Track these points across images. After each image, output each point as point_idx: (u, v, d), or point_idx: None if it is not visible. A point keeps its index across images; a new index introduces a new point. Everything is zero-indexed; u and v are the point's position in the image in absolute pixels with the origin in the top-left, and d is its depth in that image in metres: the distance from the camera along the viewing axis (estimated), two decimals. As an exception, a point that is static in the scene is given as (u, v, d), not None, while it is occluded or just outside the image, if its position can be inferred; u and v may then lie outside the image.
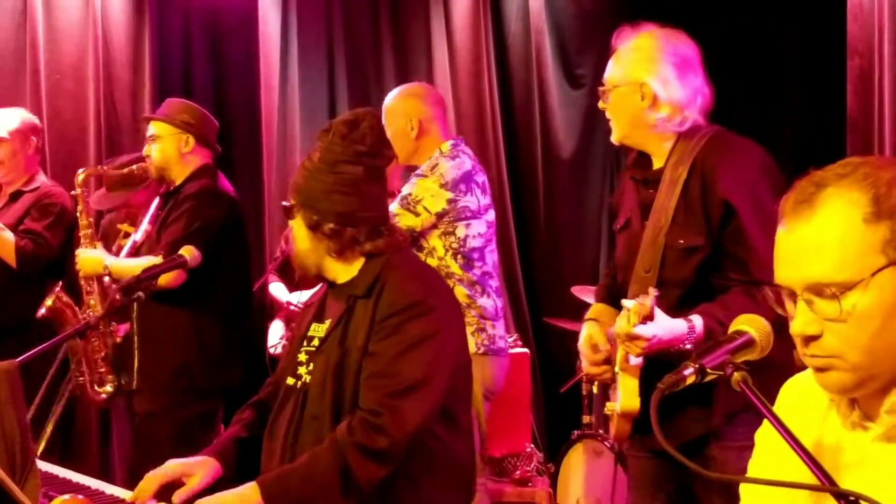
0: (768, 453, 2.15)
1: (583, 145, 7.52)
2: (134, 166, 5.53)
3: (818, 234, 1.90)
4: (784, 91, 6.49)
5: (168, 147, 5.27)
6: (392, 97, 5.33)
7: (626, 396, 3.32)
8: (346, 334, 3.17)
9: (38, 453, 2.98)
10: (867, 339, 1.90)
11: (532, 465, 6.52)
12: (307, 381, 3.21)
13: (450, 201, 4.99)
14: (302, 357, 3.30)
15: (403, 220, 4.92)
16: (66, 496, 2.74)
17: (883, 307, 1.89)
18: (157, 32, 7.51)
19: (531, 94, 7.54)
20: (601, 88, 3.60)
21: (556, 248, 7.56)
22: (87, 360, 5.45)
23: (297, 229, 3.28)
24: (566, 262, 7.53)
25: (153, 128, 5.32)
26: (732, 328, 2.04)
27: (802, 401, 2.10)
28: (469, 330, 4.89)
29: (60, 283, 5.67)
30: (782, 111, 6.44)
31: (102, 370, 5.44)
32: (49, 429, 5.40)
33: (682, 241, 3.35)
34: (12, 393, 2.85)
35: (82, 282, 5.48)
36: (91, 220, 5.54)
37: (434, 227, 5.00)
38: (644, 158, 3.63)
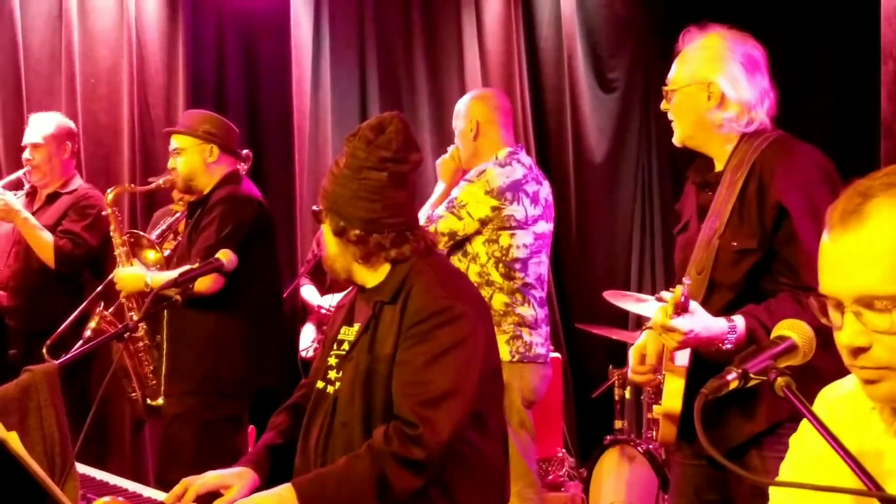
0: (803, 458, 2.15)
1: (615, 149, 7.52)
2: (161, 180, 5.55)
3: (868, 245, 1.87)
4: (817, 96, 6.47)
5: (193, 158, 5.27)
6: (461, 100, 5.39)
7: (668, 398, 3.30)
8: (374, 341, 3.16)
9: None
10: None
11: (564, 470, 6.52)
12: (337, 387, 3.21)
13: (494, 209, 4.97)
14: (332, 361, 3.30)
15: (447, 222, 4.95)
16: (107, 498, 2.75)
17: None
18: (191, 37, 7.56)
19: (563, 98, 7.54)
20: (665, 89, 3.57)
21: (587, 253, 7.56)
22: (136, 375, 5.49)
23: (327, 234, 3.28)
24: (598, 267, 7.53)
25: (176, 141, 5.32)
26: (775, 333, 2.04)
27: (841, 408, 2.09)
28: (504, 338, 4.88)
29: (103, 303, 5.72)
30: (815, 117, 6.42)
31: (154, 383, 5.47)
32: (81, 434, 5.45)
33: (735, 244, 3.33)
34: (52, 395, 2.88)
35: (123, 299, 5.52)
36: (125, 238, 5.57)
37: (478, 232, 4.99)
38: (706, 162, 3.62)
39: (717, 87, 3.46)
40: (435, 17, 7.91)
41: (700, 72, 3.49)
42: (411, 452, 2.96)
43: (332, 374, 3.26)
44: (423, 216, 4.99)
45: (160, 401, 5.43)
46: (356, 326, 3.28)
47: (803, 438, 2.16)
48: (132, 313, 5.51)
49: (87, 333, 5.62)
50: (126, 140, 7.25)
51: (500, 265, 4.99)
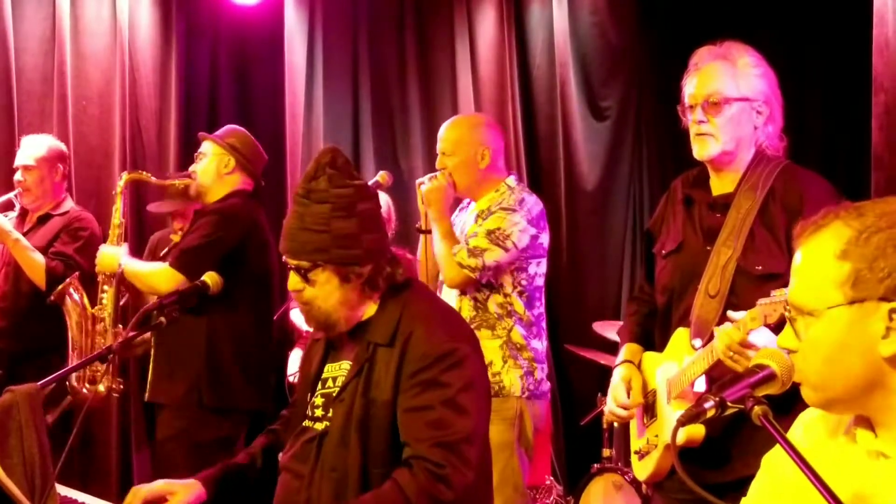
0: (774, 478, 2.17)
1: (606, 177, 7.51)
2: (176, 181, 5.57)
3: (804, 258, 2.02)
4: (809, 127, 6.47)
5: (210, 166, 5.34)
6: (457, 124, 5.13)
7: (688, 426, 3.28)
8: (370, 385, 3.11)
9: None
10: (817, 365, 1.98)
11: (551, 498, 6.49)
12: (327, 426, 3.17)
13: (533, 237, 4.85)
14: (318, 400, 3.25)
15: (493, 254, 4.76)
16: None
17: (832, 341, 1.96)
18: (184, 60, 7.58)
19: (555, 126, 7.54)
20: (715, 98, 3.50)
21: (578, 281, 7.55)
22: (85, 355, 5.45)
23: (322, 287, 3.15)
24: (589, 295, 7.51)
25: (203, 146, 5.43)
26: (753, 362, 2.05)
27: (819, 425, 2.13)
28: (519, 372, 4.81)
29: (77, 273, 5.72)
30: (807, 148, 6.40)
31: (98, 370, 5.44)
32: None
33: (759, 268, 3.32)
34: (33, 416, 2.87)
35: (99, 277, 5.51)
36: (124, 220, 5.58)
37: (511, 262, 4.84)
38: (702, 182, 3.63)
39: (765, 106, 3.50)
40: (428, 44, 7.93)
41: (755, 87, 3.50)
42: (441, 492, 2.94)
43: (318, 413, 3.22)
44: (442, 254, 4.91)
45: (100, 388, 5.41)
46: (343, 364, 3.24)
47: (775, 461, 2.17)
48: (105, 295, 5.48)
49: (52, 298, 5.63)
50: (117, 162, 7.26)
51: (524, 294, 4.87)
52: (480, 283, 4.84)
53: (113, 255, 5.39)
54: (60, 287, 5.63)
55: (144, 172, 6.05)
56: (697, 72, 3.57)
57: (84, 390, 5.52)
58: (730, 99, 3.48)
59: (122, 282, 5.46)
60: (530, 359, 4.87)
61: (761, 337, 3.11)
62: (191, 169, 5.44)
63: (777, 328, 3.06)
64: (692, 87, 3.56)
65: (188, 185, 5.44)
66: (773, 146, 3.53)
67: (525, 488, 4.94)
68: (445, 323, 3.21)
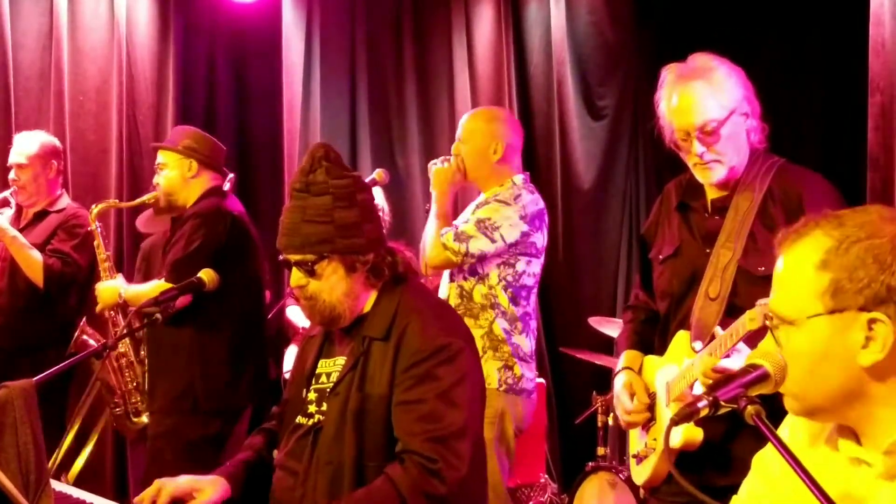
0: (764, 478, 2.19)
1: (603, 176, 7.51)
2: (145, 197, 5.56)
3: (785, 267, 2.04)
4: (805, 128, 6.47)
5: (173, 174, 5.30)
6: (477, 114, 5.24)
7: (685, 428, 3.28)
8: (364, 378, 3.12)
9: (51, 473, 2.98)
10: (798, 375, 2.00)
11: (546, 496, 6.49)
12: (321, 419, 3.18)
13: (523, 234, 4.87)
14: (312, 396, 3.26)
15: (479, 243, 4.81)
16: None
17: (813, 351, 1.97)
18: (182, 56, 7.57)
19: (552, 125, 7.53)
20: (709, 128, 3.43)
21: (574, 279, 7.54)
22: (120, 391, 5.48)
23: (327, 280, 3.16)
24: (584, 293, 7.50)
25: (160, 156, 5.38)
26: (747, 361, 2.05)
27: (807, 429, 2.13)
28: (497, 365, 4.83)
29: (85, 316, 5.73)
30: (803, 148, 6.41)
31: (136, 400, 5.46)
32: (63, 448, 5.45)
33: (762, 269, 3.30)
34: (28, 412, 2.87)
35: (106, 314, 5.52)
36: (108, 253, 5.59)
37: (499, 255, 4.88)
38: (694, 189, 3.62)
39: (748, 105, 3.47)
40: (426, 43, 7.92)
41: (735, 95, 3.45)
42: (434, 487, 2.96)
43: (312, 409, 3.22)
44: (430, 233, 4.93)
45: (144, 419, 5.43)
46: (338, 360, 3.25)
47: (766, 460, 2.18)
48: (117, 328, 5.50)
49: (70, 349, 5.64)
50: (114, 158, 7.26)
51: (509, 290, 4.89)
52: (461, 269, 4.90)
53: (111, 287, 5.38)
54: (75, 337, 5.66)
55: (111, 199, 6.07)
56: (677, 97, 3.50)
57: (128, 423, 5.55)
58: (722, 122, 3.43)
59: (126, 309, 5.45)
60: (509, 353, 4.89)
61: (737, 364, 3.08)
62: (154, 182, 5.41)
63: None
64: (677, 117, 3.49)
65: (157, 199, 5.43)
66: (758, 138, 3.52)
67: (504, 490, 4.95)
68: (440, 317, 3.22)
